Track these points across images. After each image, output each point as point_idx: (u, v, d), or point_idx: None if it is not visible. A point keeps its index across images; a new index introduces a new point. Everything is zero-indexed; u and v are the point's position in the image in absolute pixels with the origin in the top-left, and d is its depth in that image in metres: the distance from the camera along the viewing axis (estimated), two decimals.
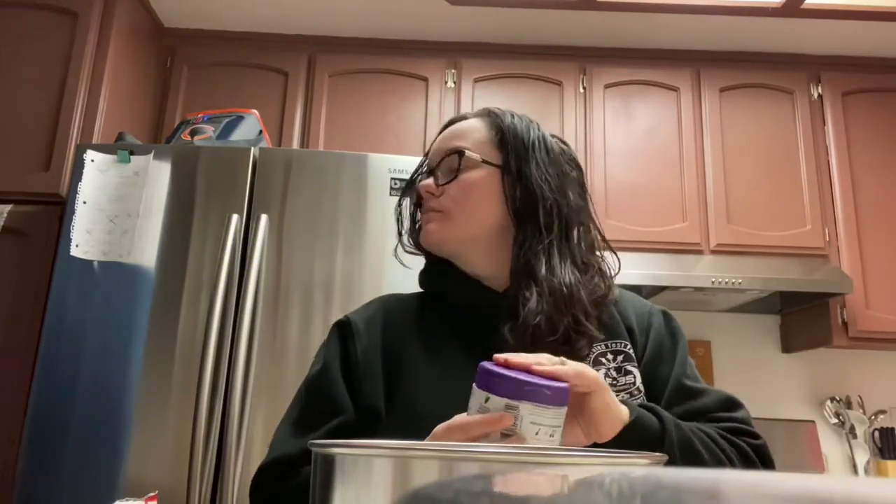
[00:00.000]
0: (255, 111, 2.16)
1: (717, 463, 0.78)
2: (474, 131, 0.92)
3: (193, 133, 2.06)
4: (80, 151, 1.90)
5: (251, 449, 1.69)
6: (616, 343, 0.87)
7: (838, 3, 2.34)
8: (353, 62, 2.54)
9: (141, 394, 1.72)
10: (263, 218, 1.83)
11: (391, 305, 0.93)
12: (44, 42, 2.15)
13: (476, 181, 0.88)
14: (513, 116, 0.94)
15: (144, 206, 1.85)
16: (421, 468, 0.38)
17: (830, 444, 2.48)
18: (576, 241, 0.88)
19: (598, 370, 0.81)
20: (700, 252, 2.37)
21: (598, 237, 0.92)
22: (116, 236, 1.83)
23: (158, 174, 1.88)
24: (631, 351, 0.87)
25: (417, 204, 0.94)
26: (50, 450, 1.68)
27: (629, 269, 2.26)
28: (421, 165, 0.96)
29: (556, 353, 0.74)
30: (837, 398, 2.51)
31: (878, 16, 2.36)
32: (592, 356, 0.84)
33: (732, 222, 2.40)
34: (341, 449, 0.41)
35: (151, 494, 1.31)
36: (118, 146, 1.94)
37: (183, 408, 1.70)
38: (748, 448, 0.83)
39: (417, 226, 0.94)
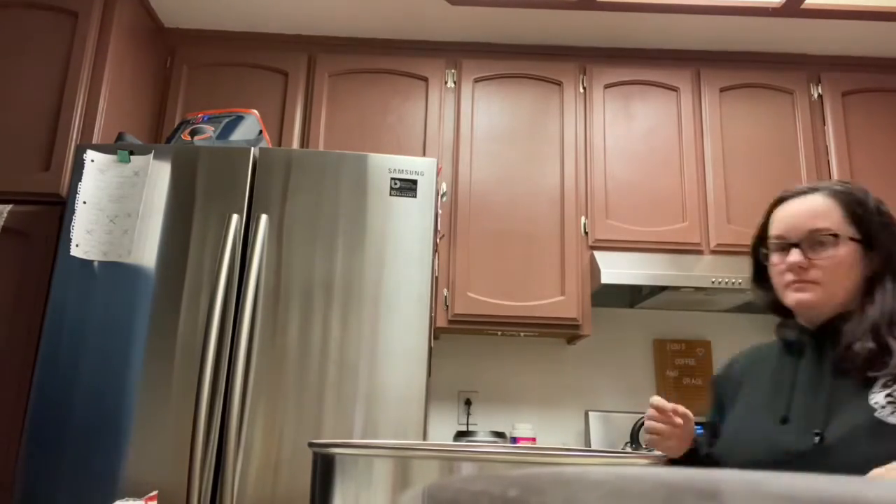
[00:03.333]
0: (254, 111, 2.16)
1: None
2: (830, 209, 1.09)
3: (193, 133, 2.06)
4: (80, 151, 1.90)
5: (251, 449, 1.69)
6: None
7: (838, 3, 2.34)
8: (353, 62, 2.54)
9: (141, 394, 1.72)
10: (263, 218, 1.83)
11: (760, 350, 1.23)
12: (44, 42, 2.15)
13: (845, 257, 1.06)
14: (856, 192, 1.13)
15: (144, 206, 1.85)
16: (421, 468, 0.38)
17: None
18: None
19: (882, 392, 0.95)
20: (700, 252, 2.37)
21: None
22: (116, 236, 1.83)
23: (158, 174, 1.88)
24: None
25: (761, 267, 1.19)
26: (50, 450, 1.68)
27: (629, 269, 2.27)
28: (764, 237, 1.17)
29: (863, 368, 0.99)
30: None
31: (878, 16, 2.36)
32: (885, 379, 0.97)
33: (732, 222, 2.40)
34: (341, 449, 0.41)
35: (151, 494, 1.31)
36: (118, 146, 1.94)
37: (183, 408, 1.70)
38: None
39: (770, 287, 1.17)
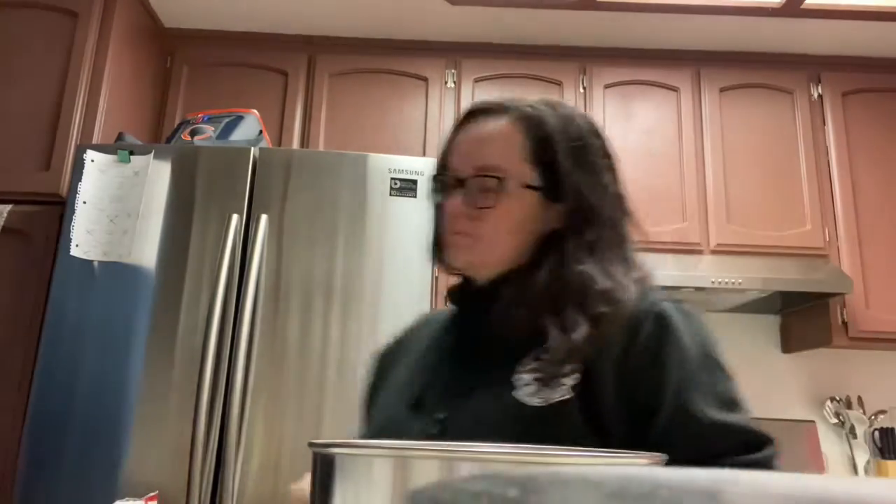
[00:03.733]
0: (255, 111, 2.16)
1: None
2: (508, 143, 0.82)
3: (193, 133, 2.06)
4: (80, 151, 1.90)
5: (251, 449, 1.69)
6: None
7: (838, 3, 2.33)
8: (353, 62, 2.54)
9: (141, 394, 1.72)
10: (263, 218, 1.83)
11: (422, 319, 1.01)
12: (44, 42, 2.15)
13: (516, 210, 0.81)
14: (551, 117, 0.84)
15: (144, 206, 1.85)
16: (421, 468, 0.38)
17: (830, 444, 2.48)
18: (608, 240, 0.83)
19: (532, 364, 0.76)
20: (700, 252, 2.37)
21: (630, 232, 0.87)
22: (116, 236, 1.83)
23: (158, 174, 1.88)
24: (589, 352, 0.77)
25: (437, 210, 0.88)
26: (50, 450, 1.68)
27: None
28: (444, 167, 0.86)
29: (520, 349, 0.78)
30: (837, 398, 2.51)
31: (878, 16, 2.36)
32: (528, 359, 0.77)
33: (732, 222, 2.40)
34: (341, 449, 0.41)
35: (151, 494, 1.31)
36: (118, 146, 1.94)
37: (183, 408, 1.70)
38: None
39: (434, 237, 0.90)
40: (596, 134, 0.89)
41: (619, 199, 0.88)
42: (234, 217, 1.82)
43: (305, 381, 1.74)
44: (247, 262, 1.79)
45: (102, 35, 2.20)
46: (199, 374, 1.68)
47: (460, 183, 0.82)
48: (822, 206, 2.41)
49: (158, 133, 2.46)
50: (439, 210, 0.86)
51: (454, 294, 0.90)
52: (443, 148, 0.88)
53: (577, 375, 0.74)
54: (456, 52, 2.58)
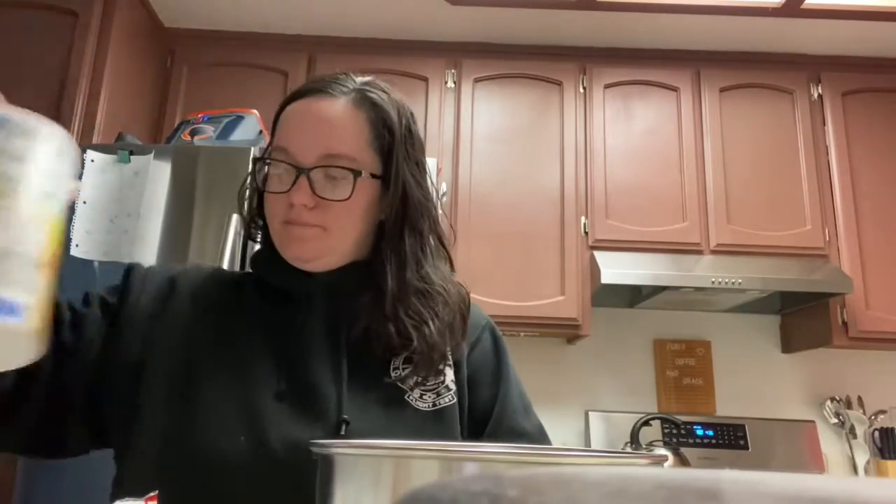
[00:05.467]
0: (255, 111, 2.16)
1: None
2: (355, 128, 0.78)
3: (193, 133, 2.06)
4: (80, 152, 1.90)
5: None
6: None
7: (838, 3, 2.33)
8: (353, 62, 2.53)
9: None
10: None
11: (212, 274, 0.87)
12: (44, 42, 2.15)
13: (362, 201, 0.78)
14: (389, 102, 0.81)
15: (144, 206, 1.85)
16: (421, 468, 0.38)
17: (830, 444, 2.48)
18: (431, 238, 0.85)
19: (408, 368, 0.78)
20: (700, 252, 2.37)
21: (442, 231, 0.87)
22: (116, 236, 1.83)
23: (158, 174, 1.88)
24: (447, 349, 0.81)
25: (259, 194, 0.84)
26: None
27: (629, 269, 2.27)
28: (281, 150, 0.79)
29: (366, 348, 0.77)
30: (837, 398, 2.51)
31: (878, 16, 2.36)
32: (399, 359, 0.80)
33: (732, 222, 2.40)
34: (341, 449, 0.41)
35: (151, 494, 1.31)
36: (118, 146, 1.94)
37: None
38: None
39: (251, 223, 0.87)
40: (415, 123, 0.85)
41: (433, 197, 0.86)
42: (234, 217, 1.82)
43: None
44: (247, 263, 1.79)
45: (102, 35, 2.20)
46: None
47: (301, 173, 0.76)
48: (822, 206, 2.42)
49: (158, 133, 2.46)
50: (273, 198, 0.79)
51: (273, 270, 0.82)
52: (277, 130, 0.82)
53: (451, 378, 0.81)
54: (456, 52, 2.58)
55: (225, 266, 1.76)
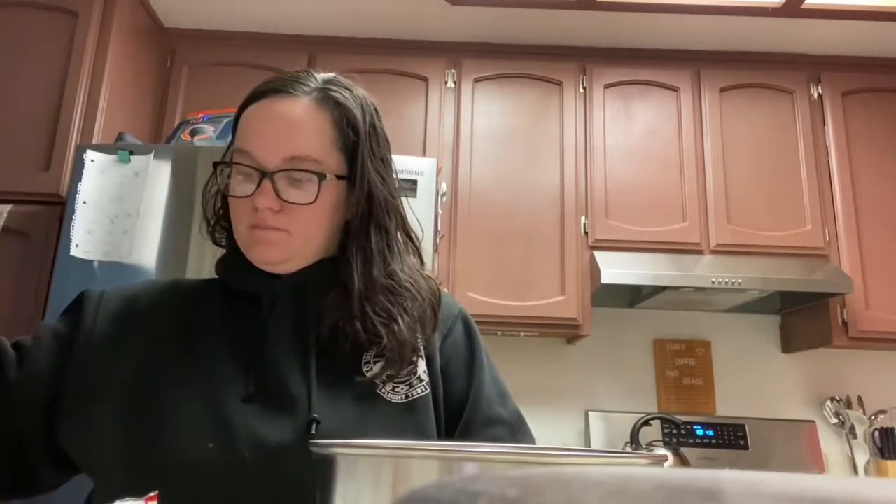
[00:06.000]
0: None
1: None
2: (318, 129, 0.77)
3: (193, 133, 2.06)
4: (80, 151, 1.90)
5: None
6: None
7: (838, 3, 2.34)
8: (353, 62, 2.54)
9: None
10: None
11: (172, 285, 0.86)
12: (44, 42, 2.15)
13: (328, 203, 0.78)
14: (351, 100, 0.81)
15: (144, 206, 1.85)
16: (421, 468, 0.38)
17: (830, 444, 2.48)
18: (399, 234, 0.85)
19: (379, 363, 0.78)
20: (700, 252, 2.37)
21: (408, 228, 0.87)
22: (116, 236, 1.83)
23: (158, 174, 1.88)
24: (417, 342, 0.81)
25: (223, 198, 0.83)
26: None
27: (629, 269, 2.27)
28: (243, 153, 0.77)
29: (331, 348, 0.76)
30: (837, 398, 2.51)
31: (878, 16, 2.36)
32: (370, 355, 0.80)
33: (732, 222, 2.40)
34: (341, 449, 0.41)
35: (151, 494, 1.31)
36: (118, 146, 1.94)
37: None
38: None
39: (215, 226, 0.85)
40: (379, 119, 0.85)
41: (399, 193, 0.87)
42: None
43: None
44: None
45: (102, 35, 2.20)
46: None
47: (265, 176, 0.75)
48: (822, 206, 2.42)
49: (158, 133, 2.46)
50: (237, 202, 0.77)
51: (238, 273, 0.82)
52: (238, 131, 0.81)
53: (424, 369, 0.81)
54: (456, 52, 2.59)
55: None
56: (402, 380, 0.79)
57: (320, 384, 0.75)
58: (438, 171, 1.95)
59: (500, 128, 2.50)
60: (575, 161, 2.45)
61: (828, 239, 2.38)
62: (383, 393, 0.78)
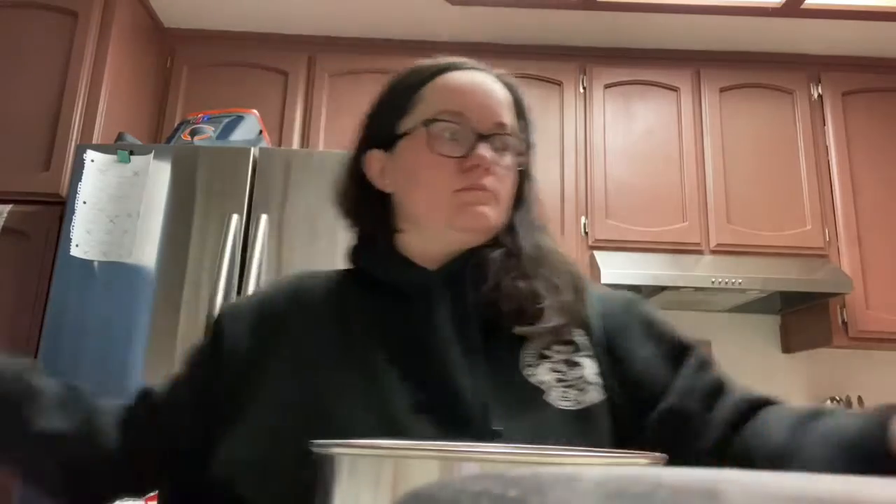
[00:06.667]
0: (255, 111, 2.16)
1: None
2: (509, 104, 0.83)
3: (193, 133, 2.06)
4: (80, 151, 1.90)
5: None
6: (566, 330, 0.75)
7: (838, 3, 2.33)
8: (353, 62, 2.54)
9: None
10: (263, 218, 1.83)
11: (300, 281, 0.82)
12: (44, 42, 2.15)
13: (516, 177, 0.80)
14: (521, 90, 0.87)
15: (144, 206, 1.85)
16: (421, 468, 0.38)
17: None
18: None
19: (542, 364, 0.71)
20: (700, 252, 2.37)
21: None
22: (116, 236, 1.83)
23: (158, 174, 1.88)
24: (583, 339, 0.74)
25: (361, 184, 0.81)
26: None
27: (629, 269, 2.27)
28: (457, 114, 0.77)
29: (506, 339, 0.70)
30: (837, 398, 2.51)
31: (878, 16, 2.36)
32: (539, 348, 0.73)
33: (732, 222, 2.40)
34: (341, 449, 0.41)
35: (151, 494, 1.31)
36: (118, 146, 1.94)
37: None
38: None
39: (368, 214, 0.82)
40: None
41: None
42: (234, 217, 1.82)
43: None
44: (247, 262, 1.79)
45: (102, 35, 2.20)
46: None
47: (481, 138, 0.74)
48: (822, 206, 2.42)
49: (158, 133, 2.46)
50: (440, 165, 0.74)
51: (380, 261, 0.77)
52: (434, 96, 0.80)
53: (595, 371, 0.72)
54: (456, 53, 2.58)
55: (224, 267, 1.76)
56: (571, 383, 0.71)
57: (487, 390, 0.69)
58: None
59: None
60: (575, 161, 2.45)
61: (828, 239, 2.38)
62: (552, 400, 0.70)
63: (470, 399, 0.67)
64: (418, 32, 2.57)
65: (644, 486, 0.18)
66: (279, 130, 2.42)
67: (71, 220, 1.83)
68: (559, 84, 2.54)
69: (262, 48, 2.57)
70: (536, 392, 0.69)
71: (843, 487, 0.18)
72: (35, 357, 1.79)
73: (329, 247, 1.83)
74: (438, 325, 0.71)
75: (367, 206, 0.80)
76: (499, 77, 0.85)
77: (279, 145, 2.38)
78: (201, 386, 0.74)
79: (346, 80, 2.52)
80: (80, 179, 1.86)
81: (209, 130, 2.06)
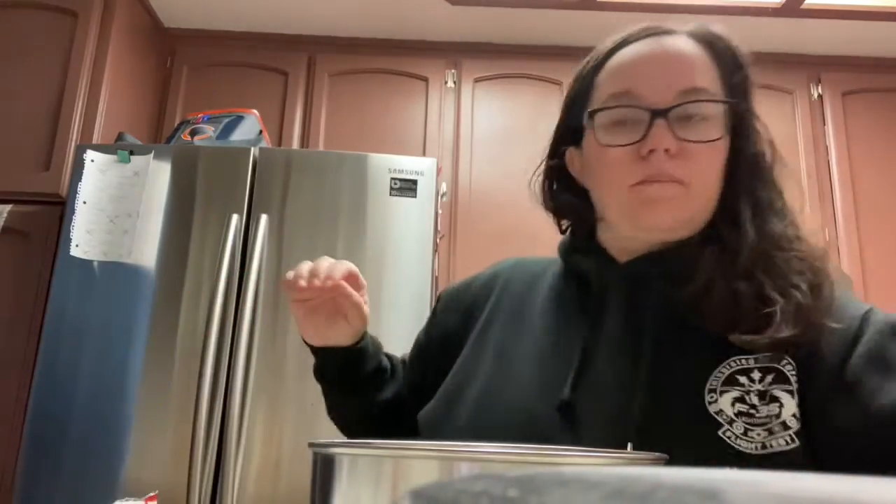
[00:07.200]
0: (255, 111, 2.16)
1: None
2: (708, 66, 0.68)
3: (193, 133, 2.06)
4: (80, 151, 1.90)
5: (251, 449, 1.69)
6: (768, 355, 0.60)
7: (838, 3, 2.33)
8: (353, 62, 2.54)
9: (141, 394, 1.72)
10: (263, 218, 1.83)
11: (501, 266, 0.84)
12: (44, 42, 2.15)
13: (724, 147, 0.65)
14: (730, 38, 0.73)
15: (144, 206, 1.85)
16: (421, 468, 0.38)
17: None
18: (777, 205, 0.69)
19: (729, 392, 0.59)
20: None
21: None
22: (116, 236, 1.83)
23: (158, 174, 1.88)
24: (788, 369, 0.59)
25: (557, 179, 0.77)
26: (50, 450, 1.68)
27: None
28: (622, 95, 0.67)
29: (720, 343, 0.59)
30: None
31: (878, 16, 2.36)
32: (729, 370, 0.60)
33: None
34: (341, 449, 0.41)
35: (151, 494, 1.31)
36: (118, 146, 1.94)
37: (183, 408, 1.70)
38: None
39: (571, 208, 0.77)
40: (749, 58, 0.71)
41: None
42: (234, 217, 1.82)
43: (305, 381, 1.74)
44: (247, 262, 1.79)
45: (102, 35, 2.19)
46: (199, 374, 1.68)
47: (657, 114, 0.63)
48: (822, 206, 2.41)
49: (158, 133, 2.46)
50: (614, 159, 0.65)
51: (586, 259, 0.71)
52: (605, 78, 0.73)
53: (794, 411, 0.57)
54: (456, 52, 2.58)
55: (224, 267, 1.76)
56: (760, 421, 0.57)
57: (649, 403, 0.60)
58: (438, 171, 1.95)
59: (500, 128, 2.50)
60: None
61: (828, 238, 2.38)
62: (729, 437, 0.57)
63: (613, 407, 0.61)
64: (418, 32, 2.57)
65: (644, 485, 0.18)
66: (279, 130, 2.42)
67: (71, 220, 1.83)
68: (559, 84, 2.54)
69: (262, 48, 2.57)
70: (711, 424, 0.58)
71: (844, 487, 0.18)
72: (35, 357, 1.79)
73: (329, 246, 1.83)
74: (606, 324, 0.66)
75: (568, 200, 0.77)
76: (693, 33, 0.72)
77: (279, 145, 2.38)
78: (420, 352, 0.86)
79: (346, 80, 2.52)
80: (80, 179, 1.86)
81: (209, 130, 2.06)
